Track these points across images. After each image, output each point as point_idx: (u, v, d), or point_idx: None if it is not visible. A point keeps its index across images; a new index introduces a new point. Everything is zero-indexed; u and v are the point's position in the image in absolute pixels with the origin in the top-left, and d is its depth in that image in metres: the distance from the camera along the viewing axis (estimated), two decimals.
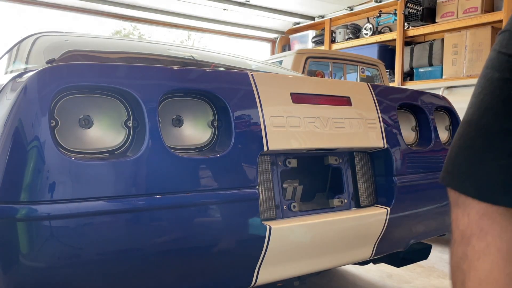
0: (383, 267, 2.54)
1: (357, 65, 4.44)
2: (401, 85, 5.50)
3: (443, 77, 5.13)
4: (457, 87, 3.83)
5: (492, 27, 4.71)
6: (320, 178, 1.55)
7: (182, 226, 1.13)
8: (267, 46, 8.49)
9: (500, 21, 4.65)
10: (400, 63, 5.71)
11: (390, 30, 6.09)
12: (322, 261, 1.41)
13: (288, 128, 1.31)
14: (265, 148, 1.25)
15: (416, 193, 1.62)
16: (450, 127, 1.86)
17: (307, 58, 3.92)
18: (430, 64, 5.39)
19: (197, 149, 1.22)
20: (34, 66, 1.47)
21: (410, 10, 5.45)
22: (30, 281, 1.01)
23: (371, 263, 1.86)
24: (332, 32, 7.02)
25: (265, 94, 1.29)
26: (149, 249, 1.09)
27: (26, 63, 1.59)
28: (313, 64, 4.12)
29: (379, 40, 6.10)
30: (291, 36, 7.97)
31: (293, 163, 1.39)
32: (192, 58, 1.99)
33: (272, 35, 8.23)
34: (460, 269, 0.58)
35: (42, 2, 6.24)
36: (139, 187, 1.07)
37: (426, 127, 1.72)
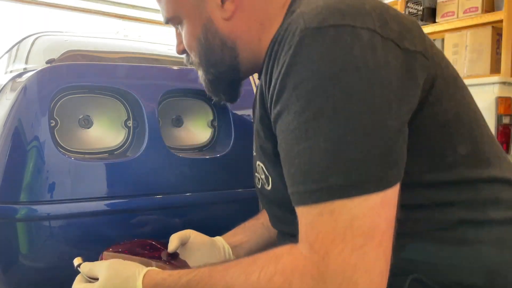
0: None
1: None
2: None
3: None
4: None
5: (493, 27, 4.70)
6: None
7: (182, 226, 1.12)
8: None
9: (501, 21, 4.63)
10: None
11: None
12: None
13: None
14: None
15: None
16: None
17: None
18: None
19: (197, 149, 1.22)
20: (34, 66, 1.47)
21: (411, 10, 5.43)
22: (30, 281, 1.01)
23: None
24: None
25: None
26: None
27: (26, 63, 1.59)
28: None
29: None
30: None
31: None
32: None
33: None
34: None
35: (42, 2, 6.24)
36: (139, 187, 1.06)
37: None
